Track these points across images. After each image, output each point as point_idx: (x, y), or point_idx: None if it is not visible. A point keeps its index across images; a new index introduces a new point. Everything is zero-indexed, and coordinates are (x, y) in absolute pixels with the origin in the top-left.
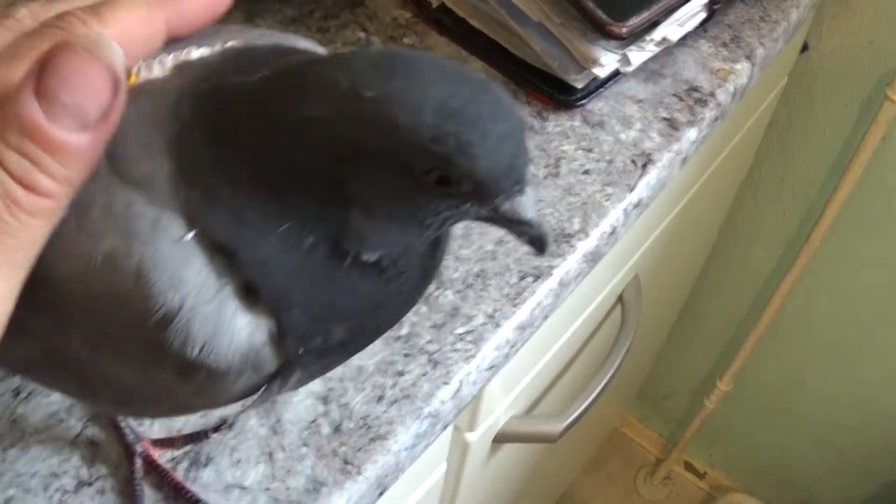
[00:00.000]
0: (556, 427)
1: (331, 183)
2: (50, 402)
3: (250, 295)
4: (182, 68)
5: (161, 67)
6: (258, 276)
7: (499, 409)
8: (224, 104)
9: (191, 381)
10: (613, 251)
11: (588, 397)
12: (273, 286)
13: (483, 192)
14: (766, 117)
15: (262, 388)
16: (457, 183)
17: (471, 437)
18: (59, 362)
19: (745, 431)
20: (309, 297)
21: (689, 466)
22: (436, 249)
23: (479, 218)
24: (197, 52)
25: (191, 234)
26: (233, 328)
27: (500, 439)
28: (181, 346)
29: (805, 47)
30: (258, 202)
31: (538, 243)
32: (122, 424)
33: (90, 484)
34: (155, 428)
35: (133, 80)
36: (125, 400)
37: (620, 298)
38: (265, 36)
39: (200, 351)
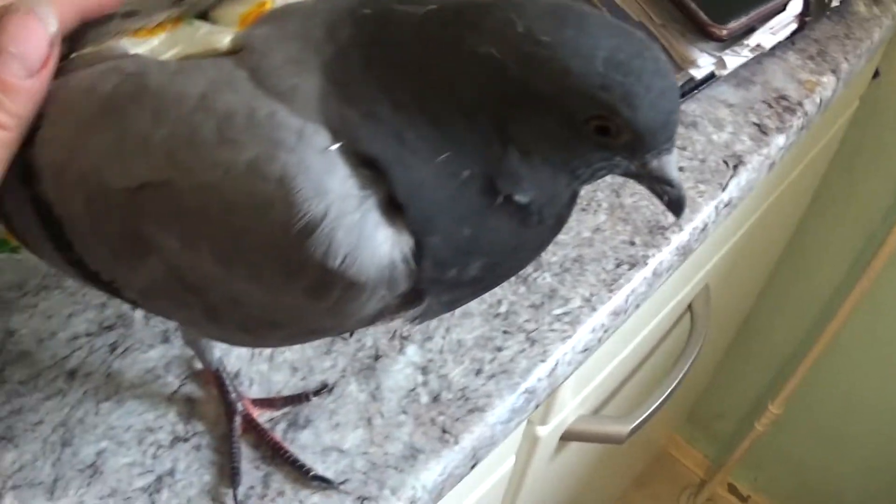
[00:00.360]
0: (624, 428)
1: (494, 121)
2: (147, 358)
3: (391, 211)
4: None
5: None
6: (409, 195)
7: (569, 406)
8: (390, 31)
9: (326, 297)
10: (688, 258)
11: (654, 402)
12: (422, 208)
13: (639, 144)
14: (837, 139)
15: (390, 308)
16: (616, 133)
17: (542, 430)
18: (184, 283)
19: (792, 456)
20: (455, 227)
21: (732, 489)
22: (569, 206)
23: (626, 173)
24: None
25: (336, 146)
26: (375, 241)
27: (568, 437)
28: (323, 255)
29: (876, 73)
30: (419, 127)
31: (676, 205)
32: (226, 381)
33: (186, 440)
34: (254, 389)
35: (269, 4)
36: (250, 324)
37: (690, 308)
38: None
39: (342, 262)
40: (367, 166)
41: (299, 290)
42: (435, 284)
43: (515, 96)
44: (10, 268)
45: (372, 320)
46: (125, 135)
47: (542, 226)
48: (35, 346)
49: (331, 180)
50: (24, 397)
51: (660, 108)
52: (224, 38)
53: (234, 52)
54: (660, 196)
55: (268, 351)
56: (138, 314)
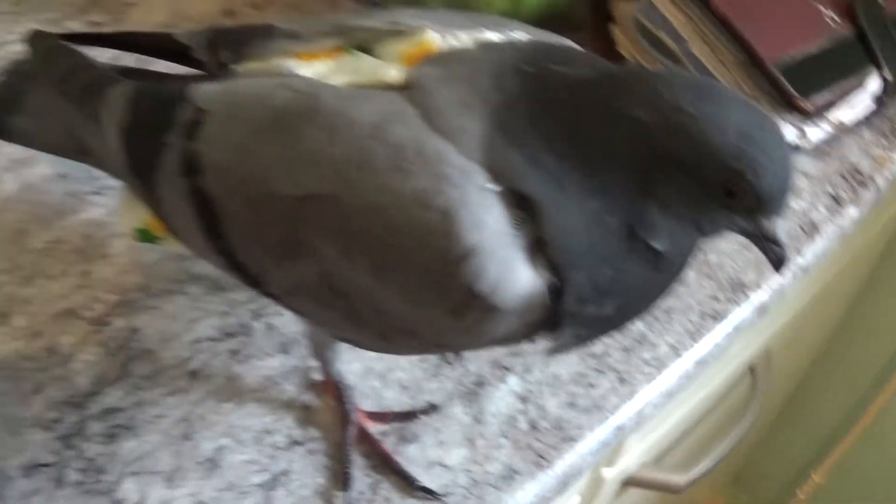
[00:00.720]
0: (683, 480)
1: (638, 176)
2: (266, 366)
3: (536, 250)
4: (486, 46)
5: (457, 40)
6: (560, 235)
7: (633, 452)
8: (550, 88)
9: (465, 317)
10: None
11: (713, 458)
12: (570, 249)
13: (758, 207)
14: None
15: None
16: (741, 197)
17: (607, 473)
18: (333, 288)
19: None
20: (598, 267)
21: None
22: (689, 257)
23: (742, 231)
24: (490, 34)
25: (496, 186)
26: (518, 275)
27: (629, 483)
28: (471, 282)
29: None
30: (573, 176)
31: (780, 262)
32: (344, 392)
33: (301, 444)
34: (367, 403)
35: (431, 45)
36: (389, 332)
37: (752, 370)
38: (526, 28)
39: (487, 289)
40: (521, 207)
41: (443, 309)
42: (573, 319)
43: (658, 157)
44: (136, 270)
45: (498, 342)
46: (296, 148)
47: (669, 273)
48: (158, 346)
49: (488, 217)
50: (146, 391)
51: (779, 177)
52: (390, 72)
53: (402, 87)
54: (766, 253)
55: (380, 368)
56: (258, 324)
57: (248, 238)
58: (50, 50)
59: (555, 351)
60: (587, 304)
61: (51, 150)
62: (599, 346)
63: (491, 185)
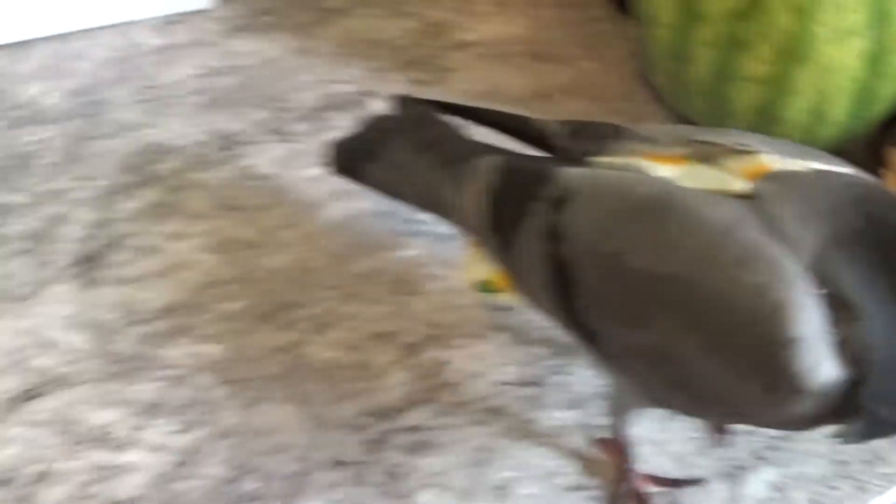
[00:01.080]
0: None
1: None
2: (558, 417)
3: (844, 348)
4: (821, 174)
5: (784, 164)
6: (871, 340)
7: None
8: (880, 226)
9: (776, 394)
10: None
11: None
12: (878, 353)
13: None
14: None
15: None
16: None
17: None
18: (665, 355)
19: None
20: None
21: None
22: None
23: None
24: (815, 164)
25: (821, 290)
26: (826, 368)
27: None
28: (789, 365)
29: None
30: (892, 297)
31: None
32: (628, 452)
33: (584, 489)
34: (642, 465)
35: (767, 165)
36: (699, 398)
37: None
38: (845, 164)
39: (801, 373)
40: (838, 309)
41: (759, 385)
42: (864, 413)
43: None
44: (449, 310)
45: (792, 422)
46: (655, 234)
47: None
48: (463, 380)
49: (811, 315)
50: (450, 417)
51: None
52: (734, 184)
53: (745, 196)
54: None
55: (659, 438)
56: (554, 379)
57: (596, 301)
58: (419, 115)
59: (841, 439)
60: (880, 404)
61: (395, 196)
62: (846, 454)
63: (816, 289)
